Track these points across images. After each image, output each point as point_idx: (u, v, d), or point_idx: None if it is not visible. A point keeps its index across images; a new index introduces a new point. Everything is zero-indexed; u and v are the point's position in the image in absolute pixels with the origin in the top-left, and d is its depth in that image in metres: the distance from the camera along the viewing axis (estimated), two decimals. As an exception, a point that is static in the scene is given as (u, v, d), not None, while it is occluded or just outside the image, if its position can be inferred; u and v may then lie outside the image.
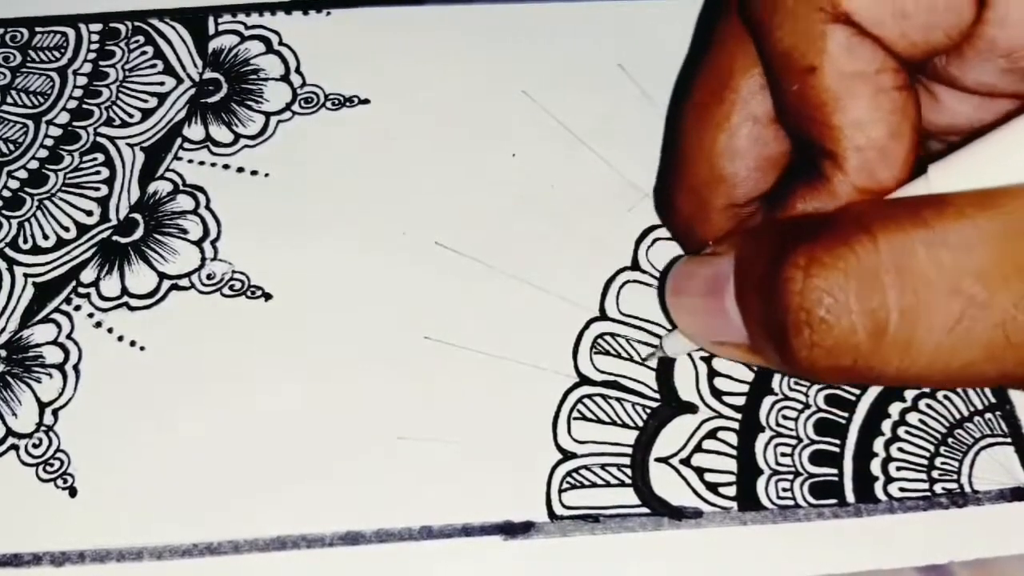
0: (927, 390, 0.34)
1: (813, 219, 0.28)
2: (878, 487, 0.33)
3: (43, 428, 0.34)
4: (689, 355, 0.35)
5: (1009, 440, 0.34)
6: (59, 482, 0.33)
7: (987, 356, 0.25)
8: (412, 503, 0.33)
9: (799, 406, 0.34)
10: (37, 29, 0.41)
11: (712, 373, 0.35)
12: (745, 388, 0.35)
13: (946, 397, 0.34)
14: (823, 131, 0.28)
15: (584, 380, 0.34)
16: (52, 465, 0.33)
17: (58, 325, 0.35)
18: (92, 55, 0.41)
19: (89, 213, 0.37)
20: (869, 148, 0.28)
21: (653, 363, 0.35)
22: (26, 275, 0.36)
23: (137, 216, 0.37)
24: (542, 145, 0.39)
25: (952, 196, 0.26)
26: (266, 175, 0.38)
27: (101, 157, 0.38)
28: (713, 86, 0.31)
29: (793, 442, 0.34)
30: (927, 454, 0.34)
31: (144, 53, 0.41)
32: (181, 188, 0.38)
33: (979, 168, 0.26)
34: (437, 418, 0.34)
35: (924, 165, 0.28)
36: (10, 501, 0.33)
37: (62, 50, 0.41)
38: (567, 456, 0.33)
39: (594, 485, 0.33)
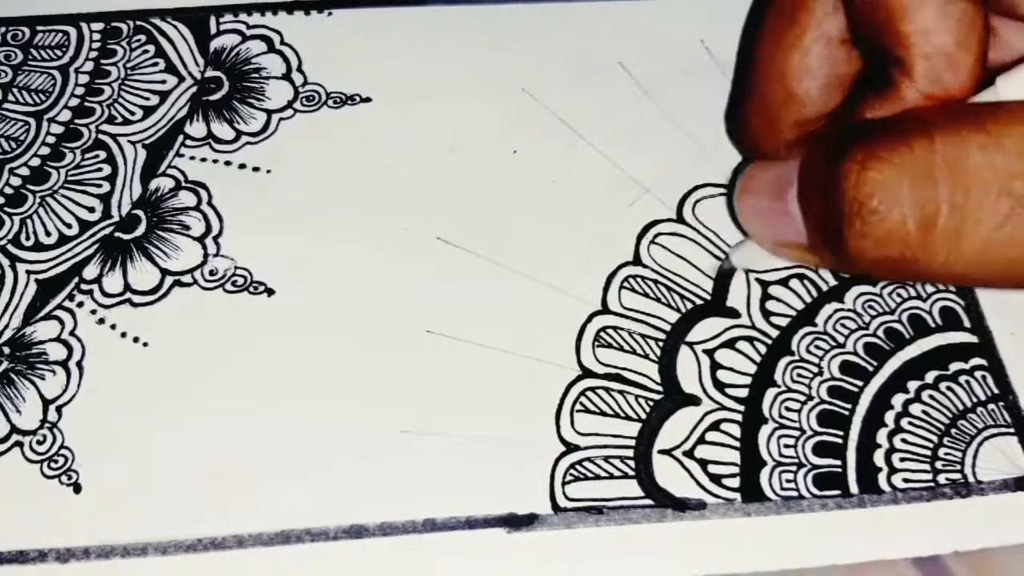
0: (929, 381, 0.34)
1: (876, 121, 0.29)
2: (882, 478, 0.33)
3: (47, 425, 0.34)
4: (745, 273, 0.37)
5: (1013, 430, 0.34)
6: (63, 478, 0.33)
7: None
8: (416, 496, 0.33)
9: (802, 398, 0.34)
10: (39, 28, 0.41)
11: (715, 366, 0.35)
12: (748, 380, 0.35)
13: (949, 388, 0.34)
14: (893, 38, 0.29)
15: (587, 373, 0.34)
16: (56, 462, 0.33)
17: (61, 322, 0.35)
18: (94, 53, 0.41)
19: (91, 210, 0.37)
20: (936, 55, 0.29)
21: (713, 273, 0.36)
22: (29, 272, 0.36)
23: (139, 212, 0.37)
24: (543, 142, 0.39)
25: (1011, 103, 0.27)
26: (268, 171, 0.38)
27: (103, 154, 0.38)
28: (787, 6, 0.32)
29: (796, 434, 0.34)
30: (931, 445, 0.34)
31: (146, 52, 0.41)
32: (183, 185, 0.38)
33: None
34: (440, 412, 0.34)
35: (994, 79, 0.29)
36: (15, 498, 0.33)
37: (64, 48, 0.41)
38: (570, 448, 0.33)
39: (597, 477, 0.33)
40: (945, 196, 0.26)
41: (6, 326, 0.35)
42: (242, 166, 0.38)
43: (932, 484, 0.33)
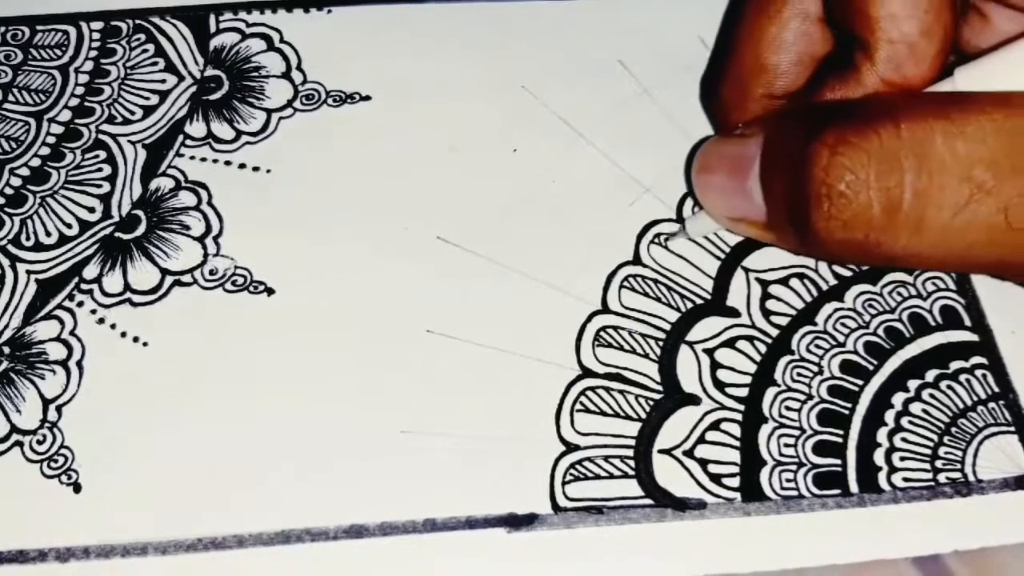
0: (930, 380, 0.34)
1: (843, 104, 0.31)
2: (882, 477, 0.33)
3: (47, 424, 0.34)
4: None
5: (1013, 429, 0.34)
6: (63, 478, 0.33)
7: (988, 239, 0.27)
8: (416, 496, 0.33)
9: (802, 397, 0.34)
10: (38, 27, 0.41)
11: (715, 365, 0.35)
12: (748, 379, 0.35)
13: (949, 387, 0.34)
14: (861, 21, 0.31)
15: (587, 372, 0.34)
16: (56, 461, 0.33)
17: (61, 322, 0.35)
18: (93, 53, 0.41)
19: (91, 210, 0.37)
20: (900, 42, 0.30)
21: (674, 245, 0.37)
22: (29, 272, 0.36)
23: (139, 212, 0.37)
24: (543, 141, 0.39)
25: (974, 94, 0.28)
26: (268, 171, 0.38)
27: (103, 154, 0.38)
28: None
29: (796, 433, 0.34)
30: (931, 444, 0.34)
31: (145, 51, 0.41)
32: (183, 184, 0.38)
33: (1002, 73, 0.29)
34: (440, 411, 0.34)
35: (952, 70, 0.30)
36: (15, 497, 0.33)
37: (63, 48, 0.41)
38: (570, 448, 0.33)
39: (597, 477, 0.33)
40: (910, 181, 0.27)
41: (6, 326, 0.35)
42: (242, 166, 0.38)
43: (932, 483, 0.33)
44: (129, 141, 0.39)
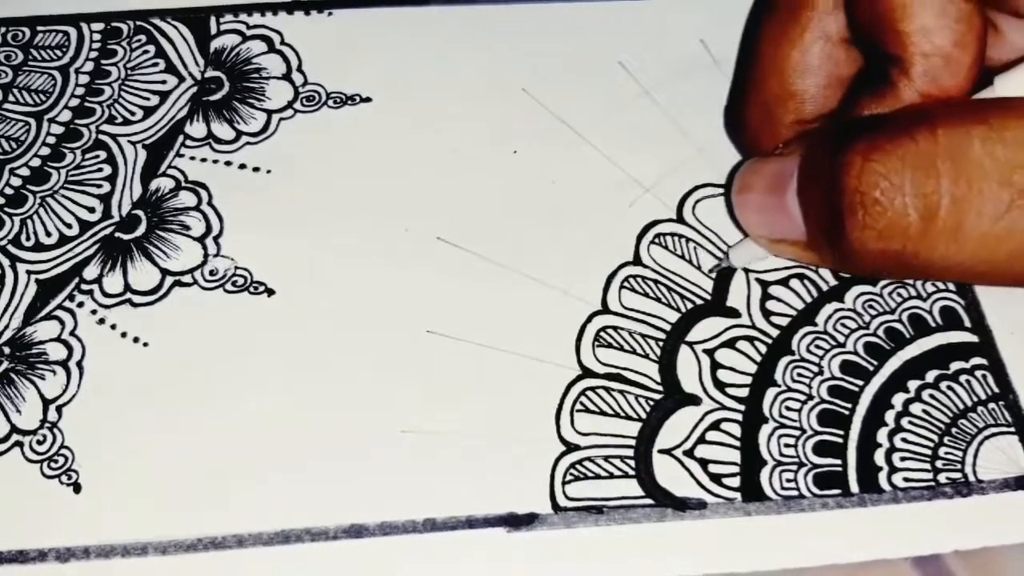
0: (930, 380, 0.34)
1: (879, 116, 0.30)
2: (882, 477, 0.33)
3: (47, 425, 0.34)
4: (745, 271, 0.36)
5: (1013, 429, 0.34)
6: (63, 478, 0.33)
7: None
8: (416, 496, 0.33)
9: (802, 397, 0.34)
10: (39, 28, 0.41)
11: (715, 365, 0.35)
12: (748, 380, 0.35)
13: (949, 387, 0.34)
14: (892, 37, 0.30)
15: (587, 372, 0.34)
16: (56, 461, 0.33)
17: (61, 322, 0.35)
18: (94, 54, 0.41)
19: (91, 210, 0.37)
20: (935, 54, 0.30)
21: (713, 274, 0.36)
22: (29, 272, 0.36)
23: (139, 213, 0.37)
24: (543, 142, 0.39)
25: (1013, 99, 0.28)
26: (268, 171, 0.38)
27: (103, 154, 0.38)
28: (789, 4, 0.33)
29: (797, 433, 0.34)
30: (931, 444, 0.34)
31: (146, 52, 0.41)
32: (183, 185, 0.38)
33: None
34: (440, 411, 0.34)
35: (990, 79, 0.30)
36: (15, 498, 0.33)
37: (64, 49, 0.41)
38: (570, 448, 0.33)
39: (597, 477, 0.33)
40: (947, 187, 0.27)
41: (6, 326, 0.35)
42: (242, 166, 0.38)
43: (932, 483, 0.33)
44: (129, 141, 0.39)
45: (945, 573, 0.32)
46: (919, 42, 0.30)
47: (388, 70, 0.41)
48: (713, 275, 0.36)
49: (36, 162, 0.38)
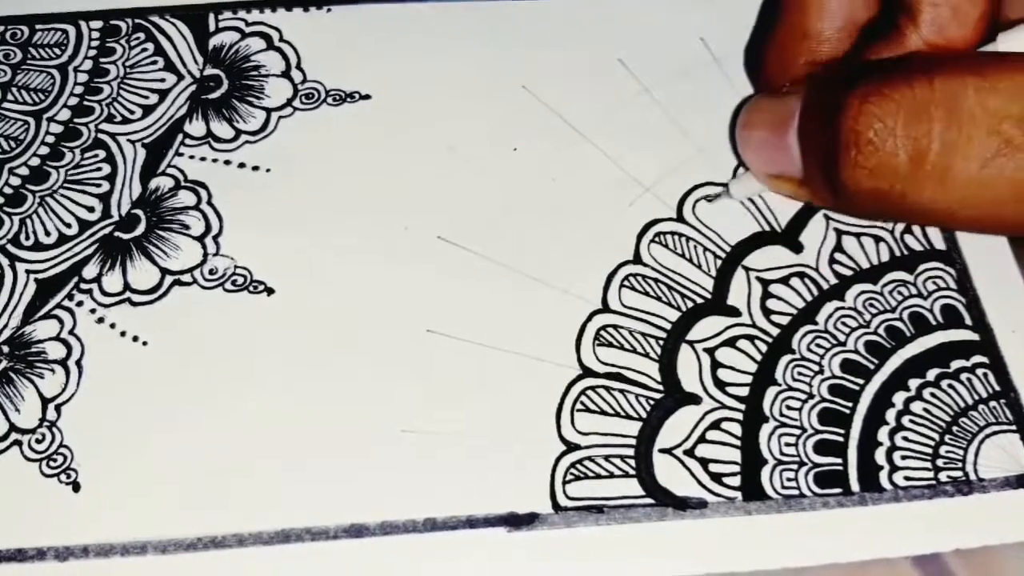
0: (931, 379, 0.34)
1: (882, 61, 0.31)
2: (883, 476, 0.33)
3: (46, 424, 0.34)
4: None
5: (1014, 428, 0.34)
6: (62, 477, 0.33)
7: (1013, 195, 0.28)
8: (416, 495, 0.32)
9: (803, 396, 0.34)
10: (38, 26, 0.41)
11: (715, 364, 0.35)
12: (749, 379, 0.34)
13: (950, 386, 0.34)
14: None
15: (587, 372, 0.34)
16: (55, 460, 0.33)
17: (60, 321, 0.35)
18: (93, 52, 0.41)
19: (91, 209, 0.37)
20: (943, 4, 0.31)
21: (714, 204, 0.37)
22: (28, 271, 0.36)
23: (139, 212, 0.37)
24: (543, 140, 0.39)
25: (1012, 54, 0.29)
26: (267, 170, 0.38)
27: (102, 153, 0.38)
28: None
29: (797, 432, 0.34)
30: (932, 443, 0.34)
31: (145, 50, 0.41)
32: (183, 184, 0.38)
33: None
34: (440, 410, 0.34)
35: (996, 35, 0.31)
36: (14, 497, 0.33)
37: (63, 47, 0.41)
38: (571, 447, 0.33)
39: (598, 476, 0.33)
40: (938, 132, 0.28)
41: (5, 325, 0.35)
42: (241, 165, 0.38)
43: (933, 482, 0.33)
44: (128, 140, 0.39)
45: (945, 572, 0.32)
46: None
47: (387, 67, 0.41)
48: (711, 203, 0.38)
49: (35, 161, 0.38)
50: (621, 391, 0.34)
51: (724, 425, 0.34)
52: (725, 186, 0.37)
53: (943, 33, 0.31)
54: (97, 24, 0.41)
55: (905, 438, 0.34)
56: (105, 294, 0.36)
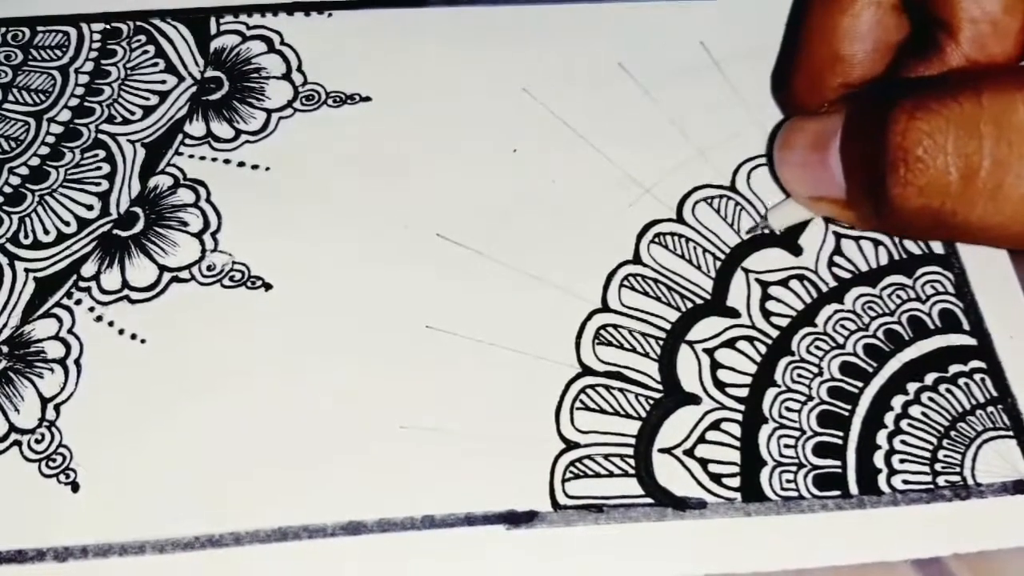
0: (929, 383, 0.34)
1: (927, 77, 0.31)
2: (881, 479, 0.33)
3: (45, 423, 0.34)
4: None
5: (1011, 433, 0.34)
6: (61, 477, 0.33)
7: None
8: (415, 493, 0.32)
9: (802, 398, 0.34)
10: (39, 28, 0.41)
11: (715, 365, 0.35)
12: (748, 380, 0.35)
13: (948, 390, 0.34)
14: (940, 2, 0.31)
15: (587, 370, 0.34)
16: (55, 460, 0.33)
17: (59, 320, 0.35)
18: (94, 54, 0.41)
19: (90, 208, 0.37)
20: (983, 20, 0.30)
21: (750, 236, 0.37)
22: (27, 270, 0.36)
23: (138, 210, 0.37)
24: (543, 142, 0.39)
25: None
26: (267, 169, 0.38)
27: (102, 153, 0.38)
28: None
29: (796, 434, 0.34)
30: (930, 447, 0.34)
31: (146, 52, 0.41)
32: (182, 182, 0.38)
33: None
34: (439, 408, 0.34)
35: None
36: (13, 497, 0.33)
37: (64, 49, 0.41)
38: (570, 446, 0.33)
39: (597, 475, 0.33)
40: (989, 149, 0.27)
41: (4, 324, 0.35)
42: (241, 164, 0.38)
43: (931, 486, 0.33)
44: (128, 140, 0.39)
45: (946, 575, 0.32)
46: (968, 7, 0.30)
47: (388, 70, 0.41)
48: (748, 236, 0.37)
49: (35, 161, 0.38)
50: (621, 390, 0.34)
51: (723, 426, 0.34)
52: (764, 217, 0.37)
53: (985, 49, 0.31)
54: (98, 26, 0.42)
55: (903, 442, 0.34)
56: (104, 292, 0.36)
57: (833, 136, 0.32)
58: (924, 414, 0.34)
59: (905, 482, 0.33)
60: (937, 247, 0.37)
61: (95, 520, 0.32)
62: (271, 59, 0.41)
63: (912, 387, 0.35)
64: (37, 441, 0.33)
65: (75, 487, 0.33)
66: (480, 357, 0.35)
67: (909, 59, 0.32)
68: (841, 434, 0.34)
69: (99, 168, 0.38)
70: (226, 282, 0.36)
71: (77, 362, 0.35)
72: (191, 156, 0.38)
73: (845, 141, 0.32)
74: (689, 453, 0.33)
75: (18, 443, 0.33)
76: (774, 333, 0.35)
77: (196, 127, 0.39)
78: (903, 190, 0.29)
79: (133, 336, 0.35)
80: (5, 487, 0.33)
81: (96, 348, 0.35)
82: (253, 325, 0.35)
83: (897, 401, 0.34)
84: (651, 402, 0.34)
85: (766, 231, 0.37)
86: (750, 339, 0.35)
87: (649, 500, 0.32)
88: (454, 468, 0.33)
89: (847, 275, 0.36)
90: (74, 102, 0.40)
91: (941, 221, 0.29)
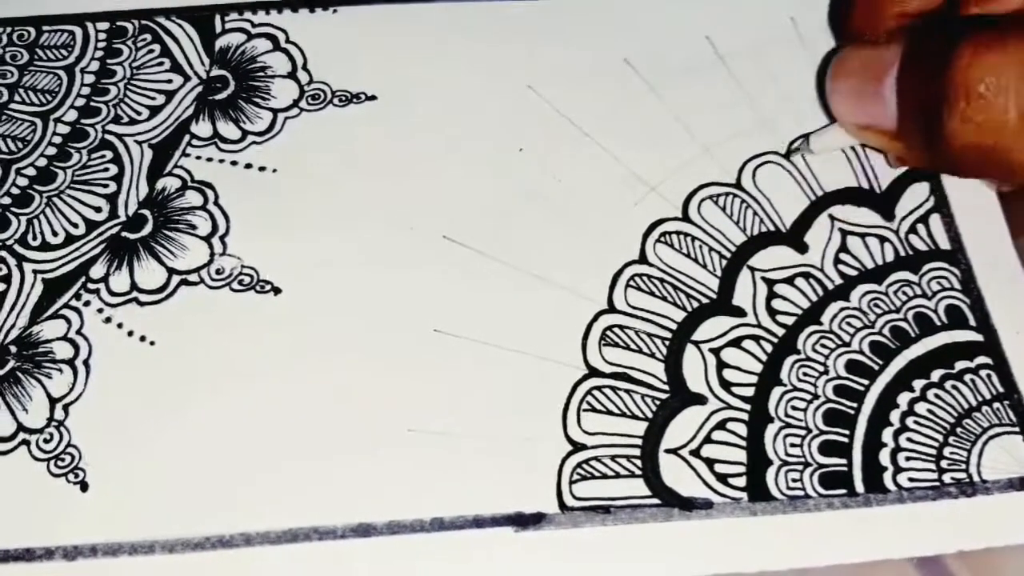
0: (935, 380, 0.34)
1: (990, 16, 0.31)
2: (887, 477, 0.33)
3: (54, 423, 0.34)
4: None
5: (1017, 429, 0.34)
6: (70, 477, 0.33)
7: None
8: (423, 495, 0.33)
9: (808, 397, 0.34)
10: (44, 28, 0.41)
11: (721, 364, 0.35)
12: (754, 379, 0.35)
13: (954, 387, 0.34)
14: None
15: (593, 372, 0.35)
16: (63, 460, 0.33)
17: (68, 321, 0.35)
18: (99, 53, 0.41)
19: (98, 209, 0.37)
20: None
21: (795, 157, 0.38)
22: (36, 271, 0.36)
23: (146, 212, 0.37)
24: (549, 140, 0.39)
25: None
26: (274, 171, 0.38)
27: (109, 154, 0.39)
28: None
29: (802, 433, 0.34)
30: (936, 444, 0.34)
31: (151, 51, 0.41)
32: (189, 184, 0.38)
33: None
34: (447, 410, 0.34)
35: None
36: (22, 496, 0.33)
37: (69, 48, 0.41)
38: (577, 447, 0.33)
39: (604, 476, 0.33)
40: None
41: (13, 325, 0.35)
42: (248, 165, 0.38)
43: (937, 483, 0.33)
44: (135, 141, 0.39)
45: (946, 574, 0.32)
46: None
47: (393, 68, 0.41)
48: (790, 157, 0.38)
49: (42, 162, 0.38)
50: (627, 391, 0.34)
51: (729, 425, 0.34)
52: (805, 139, 0.38)
53: None
54: (104, 25, 0.42)
55: (909, 439, 0.34)
56: (112, 294, 0.36)
57: (890, 66, 0.32)
58: (930, 411, 0.34)
59: (911, 480, 0.33)
60: (943, 243, 0.37)
61: (104, 519, 0.32)
62: (276, 57, 0.41)
63: (918, 384, 0.35)
64: (46, 441, 0.34)
65: (84, 487, 0.33)
66: (487, 359, 0.35)
67: None
68: (847, 432, 0.34)
69: (107, 169, 0.38)
70: (235, 286, 0.36)
71: (86, 363, 0.35)
72: (198, 157, 0.38)
73: (903, 72, 0.32)
74: (695, 453, 0.33)
75: (27, 443, 0.34)
76: (780, 332, 0.35)
77: (203, 127, 0.39)
78: (961, 125, 0.29)
79: (142, 338, 0.35)
80: (14, 486, 0.33)
81: (105, 349, 0.35)
82: (262, 328, 0.35)
83: (903, 398, 0.34)
84: (657, 403, 0.34)
85: (807, 153, 0.38)
86: (756, 338, 0.35)
87: (656, 501, 0.33)
88: (462, 471, 0.33)
89: (853, 272, 0.36)
90: (80, 102, 0.40)
91: (993, 158, 0.29)
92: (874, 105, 0.33)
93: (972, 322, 0.36)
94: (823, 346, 0.35)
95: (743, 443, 0.34)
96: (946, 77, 0.29)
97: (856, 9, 0.36)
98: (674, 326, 0.35)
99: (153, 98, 0.40)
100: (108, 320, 0.35)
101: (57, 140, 0.39)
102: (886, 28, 0.34)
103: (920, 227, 0.37)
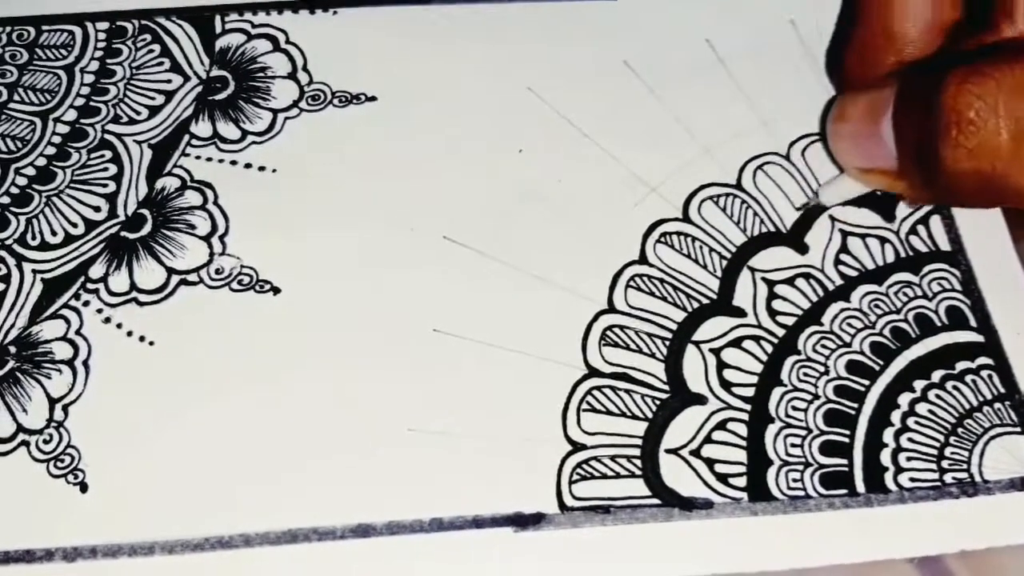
0: (936, 380, 0.34)
1: (977, 49, 0.32)
2: (888, 477, 0.33)
3: (53, 424, 0.34)
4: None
5: (1019, 429, 0.34)
6: (70, 478, 0.33)
7: None
8: (423, 495, 0.33)
9: (809, 397, 0.34)
10: (44, 27, 0.41)
11: (721, 365, 0.35)
12: (754, 379, 0.35)
13: (955, 387, 0.34)
14: None
15: (593, 372, 0.34)
16: (63, 461, 0.33)
17: (67, 321, 0.35)
18: (99, 53, 0.41)
19: (97, 209, 0.37)
20: None
21: (802, 211, 0.38)
22: (35, 271, 0.36)
23: (145, 212, 0.37)
24: (548, 141, 0.39)
25: None
26: (274, 171, 0.38)
27: (109, 154, 0.38)
28: None
29: (803, 433, 0.34)
30: (937, 444, 0.34)
31: (151, 51, 0.41)
32: (189, 184, 0.38)
33: None
34: (447, 410, 0.34)
35: None
36: (22, 497, 0.33)
37: (69, 48, 0.41)
38: (577, 447, 0.33)
39: (604, 476, 0.33)
40: None
41: (12, 325, 0.35)
42: (248, 165, 0.38)
43: (939, 483, 0.33)
44: (135, 141, 0.39)
45: (947, 575, 0.32)
46: None
47: (393, 69, 0.41)
48: (801, 211, 0.38)
49: (42, 161, 0.38)
50: (627, 391, 0.34)
51: (730, 426, 0.34)
52: (815, 193, 0.38)
53: None
54: (103, 25, 0.42)
55: (910, 439, 0.34)
56: (112, 294, 0.36)
57: (886, 107, 0.33)
58: (931, 411, 0.34)
59: (912, 480, 0.33)
60: (944, 244, 0.37)
61: (103, 520, 0.32)
62: (276, 58, 0.41)
63: (919, 384, 0.35)
64: (45, 442, 0.33)
65: (84, 487, 0.33)
66: (486, 359, 0.35)
67: (963, 38, 0.33)
68: (848, 433, 0.34)
69: (106, 169, 0.38)
70: (234, 286, 0.36)
71: (85, 363, 0.35)
72: (198, 157, 0.38)
73: (897, 110, 0.32)
74: (696, 453, 0.33)
75: (26, 443, 0.33)
76: (780, 332, 0.35)
77: (202, 127, 0.39)
78: (954, 152, 0.29)
79: (142, 338, 0.35)
80: (14, 487, 0.33)
81: (104, 349, 0.35)
82: (261, 328, 0.35)
83: (904, 399, 0.34)
84: (658, 403, 0.34)
85: (818, 207, 0.38)
86: (756, 338, 0.35)
87: (656, 501, 0.33)
88: (462, 471, 0.33)
89: (853, 273, 0.36)
90: (80, 102, 0.40)
91: (991, 184, 0.29)
92: (874, 147, 0.33)
93: (973, 323, 0.36)
94: (824, 346, 0.35)
95: (743, 443, 0.34)
96: (937, 106, 0.29)
97: (851, 58, 0.36)
98: (674, 326, 0.35)
99: (153, 98, 0.40)
100: (108, 320, 0.35)
101: (56, 140, 0.39)
102: (881, 76, 0.35)
103: (920, 228, 0.37)
